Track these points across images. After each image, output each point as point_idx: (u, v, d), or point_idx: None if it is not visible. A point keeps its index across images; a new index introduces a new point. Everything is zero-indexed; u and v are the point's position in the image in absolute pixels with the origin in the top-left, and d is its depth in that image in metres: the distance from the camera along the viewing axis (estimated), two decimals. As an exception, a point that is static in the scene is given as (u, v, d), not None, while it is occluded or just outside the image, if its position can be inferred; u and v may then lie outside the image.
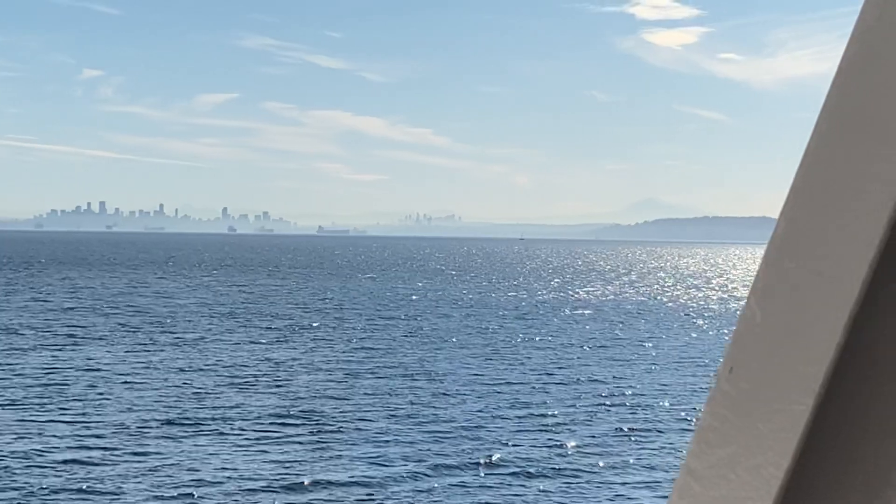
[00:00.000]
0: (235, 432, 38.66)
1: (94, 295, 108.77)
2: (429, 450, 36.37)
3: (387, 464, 34.36)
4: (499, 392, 49.12)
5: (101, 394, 46.57)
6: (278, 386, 49.86)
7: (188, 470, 32.98)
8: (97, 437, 37.41)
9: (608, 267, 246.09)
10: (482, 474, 33.33)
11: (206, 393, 47.38)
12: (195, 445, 36.53)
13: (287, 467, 33.67)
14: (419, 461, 34.81)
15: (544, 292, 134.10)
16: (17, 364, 55.13)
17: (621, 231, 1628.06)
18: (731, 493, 1.66)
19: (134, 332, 72.69)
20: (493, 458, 34.98)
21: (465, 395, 48.31)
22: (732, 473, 1.65)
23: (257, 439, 37.56)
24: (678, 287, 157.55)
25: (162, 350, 62.75)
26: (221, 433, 38.43)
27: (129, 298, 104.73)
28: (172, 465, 33.61)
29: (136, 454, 34.91)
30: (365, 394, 47.79)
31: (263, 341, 68.58)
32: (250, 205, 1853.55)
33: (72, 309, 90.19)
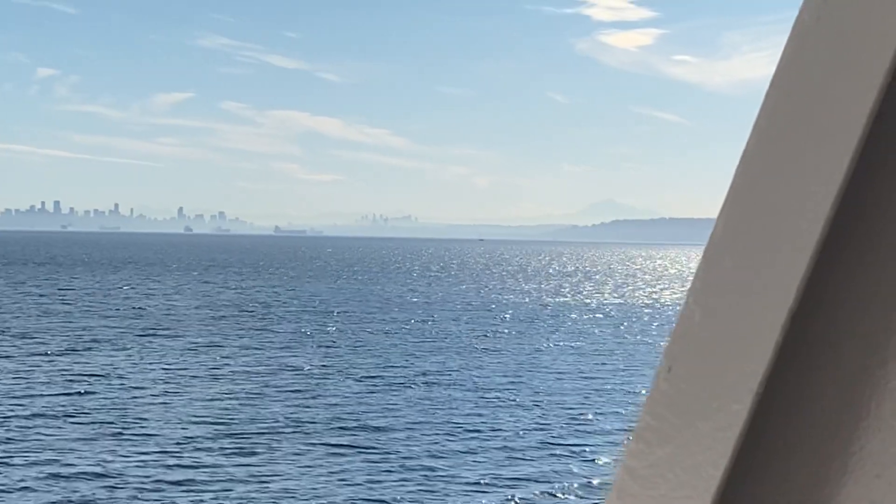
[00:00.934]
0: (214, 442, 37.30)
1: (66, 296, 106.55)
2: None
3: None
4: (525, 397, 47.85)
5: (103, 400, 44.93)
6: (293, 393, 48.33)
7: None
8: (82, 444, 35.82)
9: (572, 268, 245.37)
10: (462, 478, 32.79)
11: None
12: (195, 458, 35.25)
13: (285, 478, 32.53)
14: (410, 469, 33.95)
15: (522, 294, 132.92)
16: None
17: (579, 232, 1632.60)
18: (669, 492, 1.65)
19: (139, 337, 70.86)
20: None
21: (495, 405, 46.98)
22: (671, 473, 1.64)
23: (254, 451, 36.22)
24: (624, 288, 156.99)
25: (159, 354, 61.04)
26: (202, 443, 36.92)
27: (118, 301, 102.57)
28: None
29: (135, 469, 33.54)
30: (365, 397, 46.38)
31: (269, 345, 66.95)
32: (206, 205, 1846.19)
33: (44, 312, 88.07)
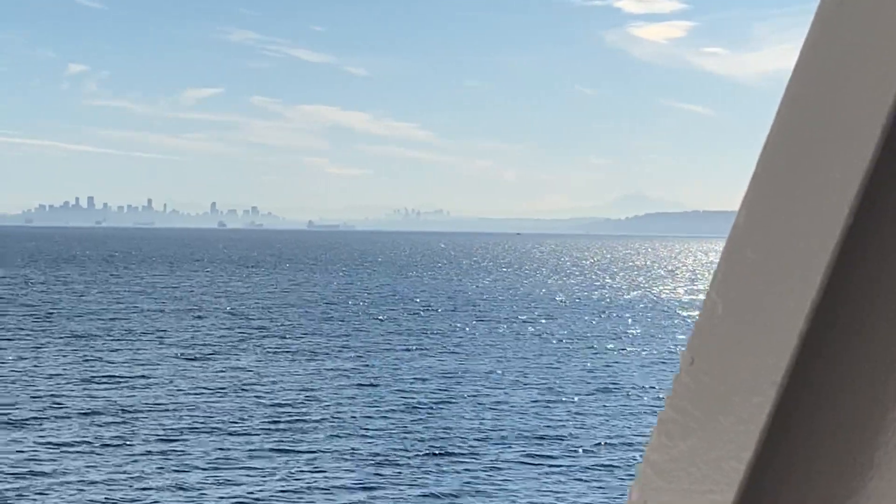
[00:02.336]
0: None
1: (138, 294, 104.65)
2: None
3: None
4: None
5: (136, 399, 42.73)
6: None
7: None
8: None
9: (641, 263, 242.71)
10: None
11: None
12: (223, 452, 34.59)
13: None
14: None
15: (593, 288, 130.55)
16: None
17: (613, 225, 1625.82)
18: (692, 486, 1.64)
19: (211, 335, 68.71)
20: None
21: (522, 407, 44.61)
22: (693, 466, 1.64)
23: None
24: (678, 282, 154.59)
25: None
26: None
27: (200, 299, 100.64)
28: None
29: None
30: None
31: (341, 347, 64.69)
32: (238, 199, 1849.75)
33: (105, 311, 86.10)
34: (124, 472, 31.96)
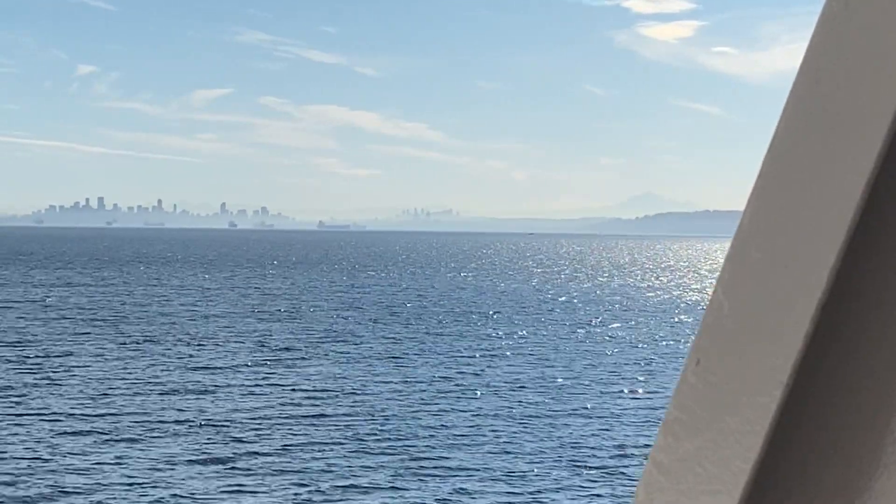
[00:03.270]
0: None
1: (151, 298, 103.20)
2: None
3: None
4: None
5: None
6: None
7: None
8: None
9: (668, 262, 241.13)
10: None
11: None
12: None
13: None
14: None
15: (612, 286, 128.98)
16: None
17: (624, 225, 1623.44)
18: (698, 486, 1.63)
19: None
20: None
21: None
22: (699, 467, 1.63)
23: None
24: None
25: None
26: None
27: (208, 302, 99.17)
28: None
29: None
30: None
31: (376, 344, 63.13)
32: (248, 200, 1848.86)
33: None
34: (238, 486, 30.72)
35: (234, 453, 34.30)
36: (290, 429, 38.11)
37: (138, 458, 33.59)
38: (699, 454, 1.63)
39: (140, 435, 36.74)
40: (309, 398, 44.69)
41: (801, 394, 1.58)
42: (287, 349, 60.83)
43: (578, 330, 76.08)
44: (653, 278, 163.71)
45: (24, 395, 43.93)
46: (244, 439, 36.31)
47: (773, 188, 1.57)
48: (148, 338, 65.08)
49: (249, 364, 54.55)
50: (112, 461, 32.97)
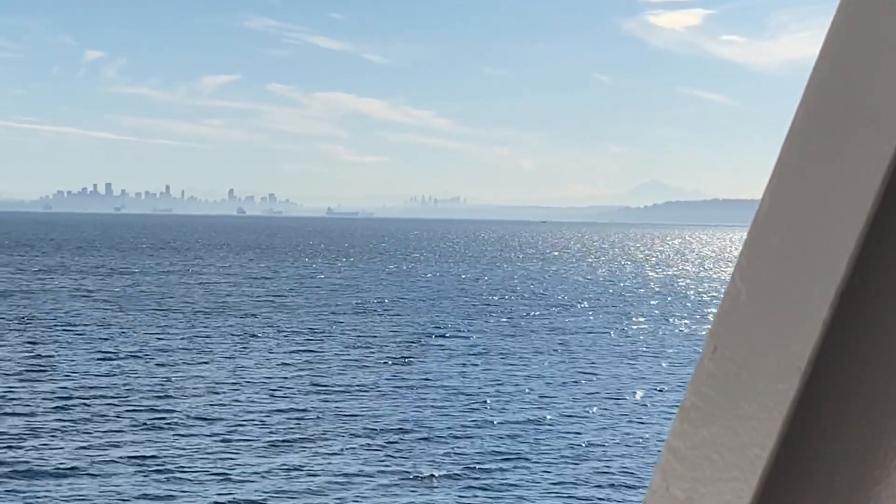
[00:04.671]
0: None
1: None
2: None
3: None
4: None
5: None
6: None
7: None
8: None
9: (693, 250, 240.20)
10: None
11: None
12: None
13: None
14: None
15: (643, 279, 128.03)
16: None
17: (632, 214, 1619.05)
18: (714, 473, 1.63)
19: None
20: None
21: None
22: (716, 454, 1.63)
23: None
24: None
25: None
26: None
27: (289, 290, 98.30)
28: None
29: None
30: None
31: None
32: (256, 186, 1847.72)
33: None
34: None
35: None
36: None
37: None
38: (716, 441, 1.63)
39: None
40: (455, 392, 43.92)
41: (819, 381, 1.58)
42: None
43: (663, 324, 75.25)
44: (706, 268, 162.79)
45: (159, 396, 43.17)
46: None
47: (792, 174, 1.57)
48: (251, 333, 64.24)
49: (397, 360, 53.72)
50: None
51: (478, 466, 32.00)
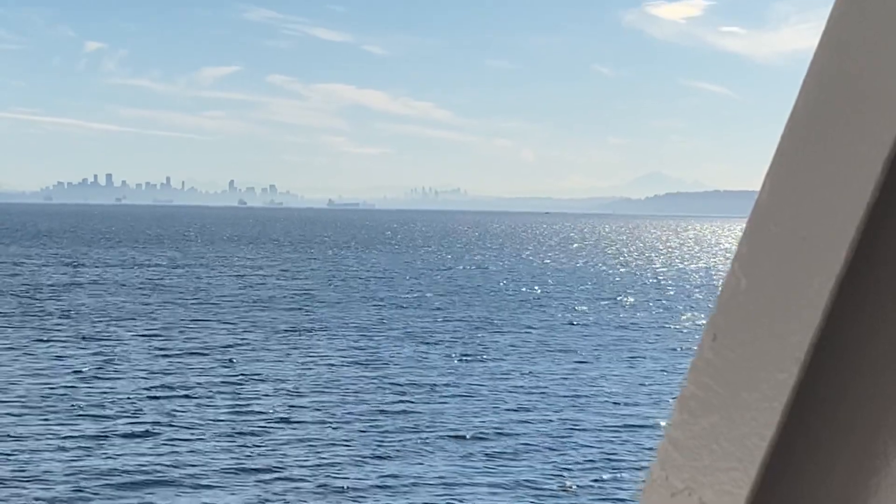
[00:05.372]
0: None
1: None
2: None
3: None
4: None
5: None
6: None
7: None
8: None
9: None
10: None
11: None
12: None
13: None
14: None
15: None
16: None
17: (633, 205, 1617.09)
18: (714, 463, 1.62)
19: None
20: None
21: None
22: (715, 443, 1.62)
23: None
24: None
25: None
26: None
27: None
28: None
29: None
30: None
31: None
32: (256, 178, 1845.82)
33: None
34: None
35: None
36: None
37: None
38: (715, 431, 1.62)
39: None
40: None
41: (818, 370, 1.56)
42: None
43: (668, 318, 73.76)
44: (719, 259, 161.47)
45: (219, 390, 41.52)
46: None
47: (792, 163, 1.56)
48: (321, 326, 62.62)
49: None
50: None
51: (611, 475, 30.43)
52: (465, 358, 50.52)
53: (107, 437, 32.91)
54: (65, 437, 32.58)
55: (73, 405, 37.24)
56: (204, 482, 28.46)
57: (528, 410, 38.63)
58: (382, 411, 37.63)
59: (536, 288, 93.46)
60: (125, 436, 33.12)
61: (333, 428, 34.85)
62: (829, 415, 1.58)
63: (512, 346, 55.65)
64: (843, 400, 1.57)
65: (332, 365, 47.43)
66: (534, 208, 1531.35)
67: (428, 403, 39.31)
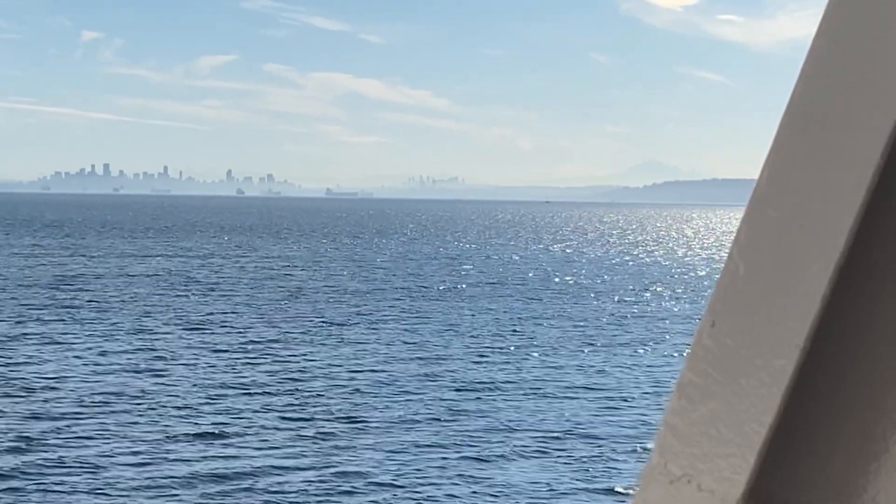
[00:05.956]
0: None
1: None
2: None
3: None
4: None
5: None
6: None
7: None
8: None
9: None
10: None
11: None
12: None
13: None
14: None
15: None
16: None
17: (632, 193, 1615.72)
18: (713, 449, 1.62)
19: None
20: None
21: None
22: (714, 430, 1.61)
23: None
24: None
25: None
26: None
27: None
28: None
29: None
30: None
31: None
32: (254, 167, 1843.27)
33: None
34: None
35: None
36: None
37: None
38: (714, 417, 1.61)
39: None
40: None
41: (817, 357, 1.56)
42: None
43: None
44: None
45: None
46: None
47: (791, 149, 1.55)
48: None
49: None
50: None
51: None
52: (519, 351, 49.16)
53: (174, 435, 31.59)
54: (132, 437, 31.27)
55: (133, 404, 35.87)
56: (278, 482, 27.19)
57: (606, 408, 37.40)
58: (451, 409, 36.25)
59: (568, 278, 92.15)
60: (192, 435, 31.79)
61: (403, 427, 33.46)
62: (827, 401, 1.58)
63: (561, 338, 54.29)
64: (842, 386, 1.58)
65: (385, 360, 46.02)
66: (532, 197, 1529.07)
67: (495, 401, 37.93)
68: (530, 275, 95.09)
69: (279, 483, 27.40)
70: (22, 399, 36.31)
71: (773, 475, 1.60)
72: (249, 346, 49.18)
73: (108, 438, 31.29)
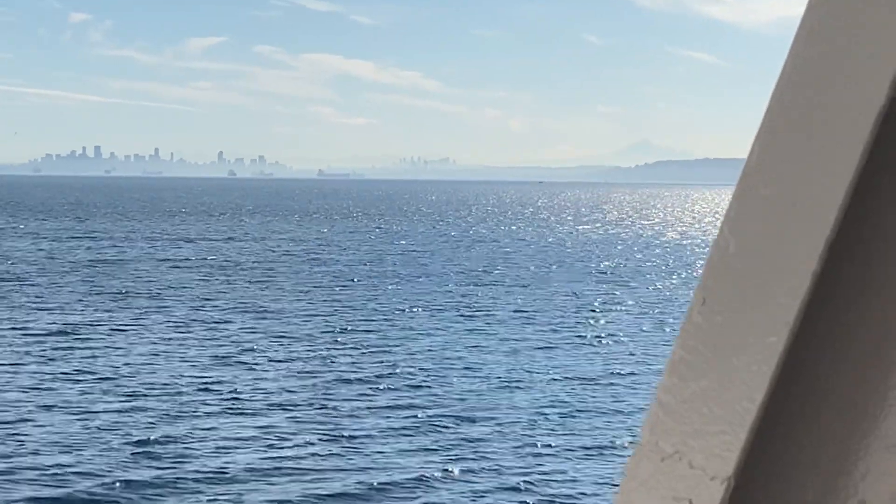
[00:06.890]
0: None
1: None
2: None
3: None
4: None
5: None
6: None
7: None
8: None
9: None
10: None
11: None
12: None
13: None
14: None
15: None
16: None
17: (623, 174, 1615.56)
18: (703, 427, 1.62)
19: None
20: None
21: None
22: (705, 407, 1.62)
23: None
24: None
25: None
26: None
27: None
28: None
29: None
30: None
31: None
32: (245, 148, 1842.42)
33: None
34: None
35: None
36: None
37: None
38: (705, 395, 1.61)
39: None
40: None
41: (808, 334, 1.57)
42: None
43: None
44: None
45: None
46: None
47: (781, 125, 1.56)
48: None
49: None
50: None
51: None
52: (573, 340, 49.23)
53: (253, 430, 31.53)
54: (214, 430, 31.27)
55: (233, 396, 35.82)
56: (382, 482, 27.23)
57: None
58: (517, 406, 36.30)
59: (603, 263, 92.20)
60: (269, 427, 31.74)
61: (482, 423, 33.40)
62: (818, 378, 1.59)
63: (609, 323, 54.42)
64: (833, 363, 1.58)
65: (442, 349, 45.90)
66: (525, 178, 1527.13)
67: (564, 394, 37.92)
68: (553, 256, 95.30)
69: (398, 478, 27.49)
70: (126, 394, 36.23)
71: (764, 452, 1.61)
72: (336, 335, 48.98)
73: (221, 428, 31.36)
